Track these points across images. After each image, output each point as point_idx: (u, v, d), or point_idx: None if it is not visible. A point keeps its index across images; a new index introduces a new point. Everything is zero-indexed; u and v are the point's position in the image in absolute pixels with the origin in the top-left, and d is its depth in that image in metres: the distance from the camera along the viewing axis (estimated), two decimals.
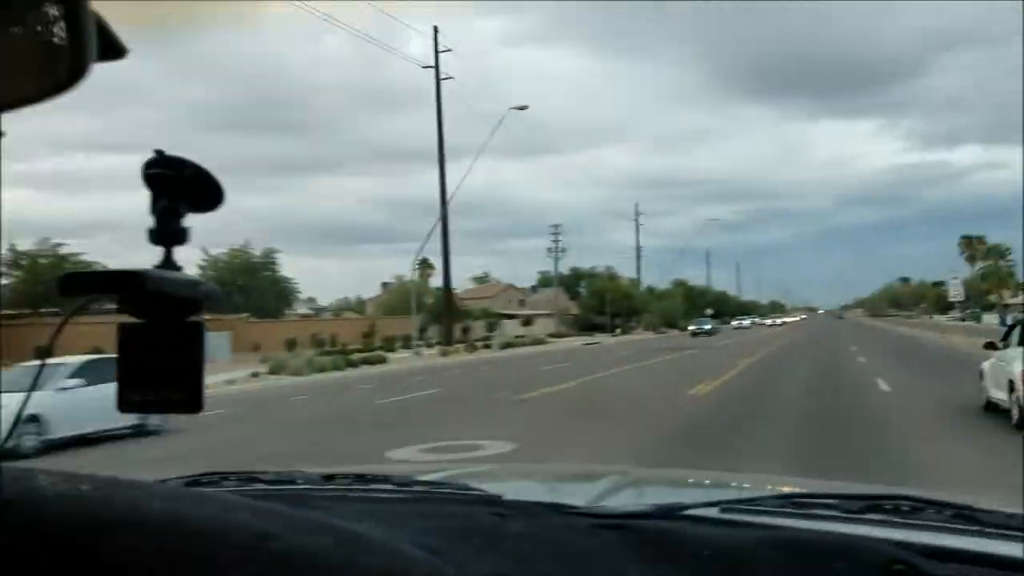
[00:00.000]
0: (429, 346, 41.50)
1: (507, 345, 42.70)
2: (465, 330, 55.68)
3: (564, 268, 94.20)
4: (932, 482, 6.56)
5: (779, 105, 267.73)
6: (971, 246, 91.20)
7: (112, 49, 0.51)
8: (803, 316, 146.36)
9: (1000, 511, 1.21)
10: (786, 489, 1.60)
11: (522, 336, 53.29)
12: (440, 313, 57.13)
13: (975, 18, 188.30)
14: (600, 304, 71.17)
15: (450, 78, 36.98)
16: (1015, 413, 9.65)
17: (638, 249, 76.70)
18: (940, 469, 7.32)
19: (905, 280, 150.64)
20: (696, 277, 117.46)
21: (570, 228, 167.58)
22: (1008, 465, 7.01)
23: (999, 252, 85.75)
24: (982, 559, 0.92)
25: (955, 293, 32.29)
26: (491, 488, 1.28)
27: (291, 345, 36.85)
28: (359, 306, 77.78)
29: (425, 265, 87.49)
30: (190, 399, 0.63)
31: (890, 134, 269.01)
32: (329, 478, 1.38)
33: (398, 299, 58.34)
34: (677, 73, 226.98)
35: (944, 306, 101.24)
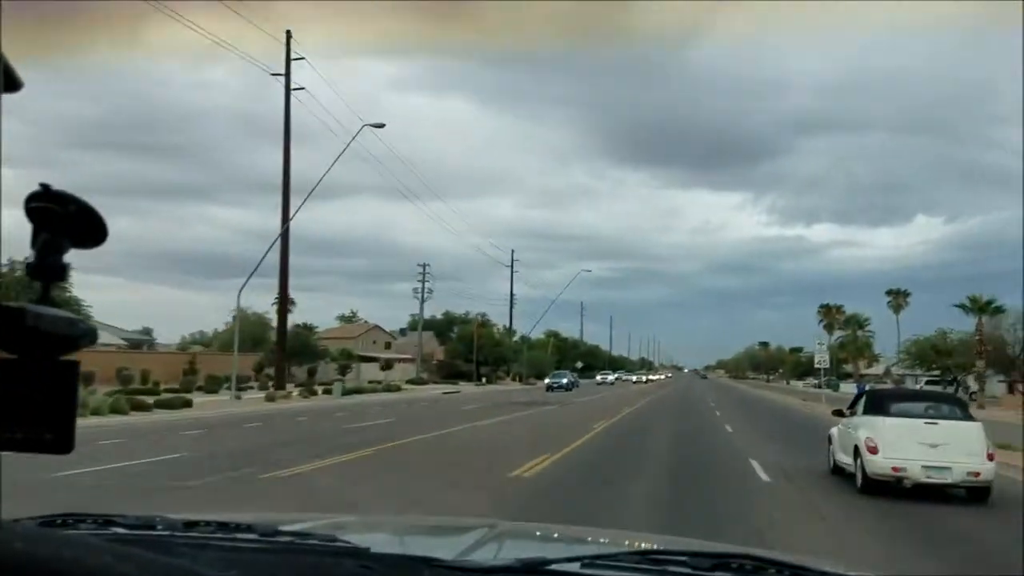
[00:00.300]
0: (263, 388, 36.07)
1: (352, 391, 37.87)
2: (311, 372, 50.38)
3: (438, 312, 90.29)
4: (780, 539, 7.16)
5: (657, 172, 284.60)
6: (830, 314, 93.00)
7: (10, 82, 0.53)
8: (668, 375, 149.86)
9: (835, 572, 1.40)
10: (643, 546, 1.71)
11: (377, 381, 48.53)
12: (294, 351, 51.52)
13: (833, 108, 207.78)
14: (468, 351, 67.57)
15: (301, 88, 32.80)
16: (859, 477, 10.42)
17: (511, 297, 74.05)
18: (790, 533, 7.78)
19: (764, 344, 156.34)
20: (572, 329, 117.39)
21: (452, 274, 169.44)
22: (855, 527, 8.12)
23: (858, 322, 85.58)
24: None
25: (820, 360, 31.56)
26: (358, 540, 1.28)
27: (86, 380, 30.39)
28: (211, 341, 70.15)
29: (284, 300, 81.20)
30: (60, 439, 0.61)
31: (754, 208, 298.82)
32: (191, 525, 1.35)
33: (245, 334, 52.12)
34: (563, 133, 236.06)
35: (802, 372, 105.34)
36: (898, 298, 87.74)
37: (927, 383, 48.26)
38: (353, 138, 30.80)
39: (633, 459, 13.48)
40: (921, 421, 10.46)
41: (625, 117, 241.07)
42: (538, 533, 2.23)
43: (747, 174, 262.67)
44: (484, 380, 65.90)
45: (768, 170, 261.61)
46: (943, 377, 51.40)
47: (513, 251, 74.28)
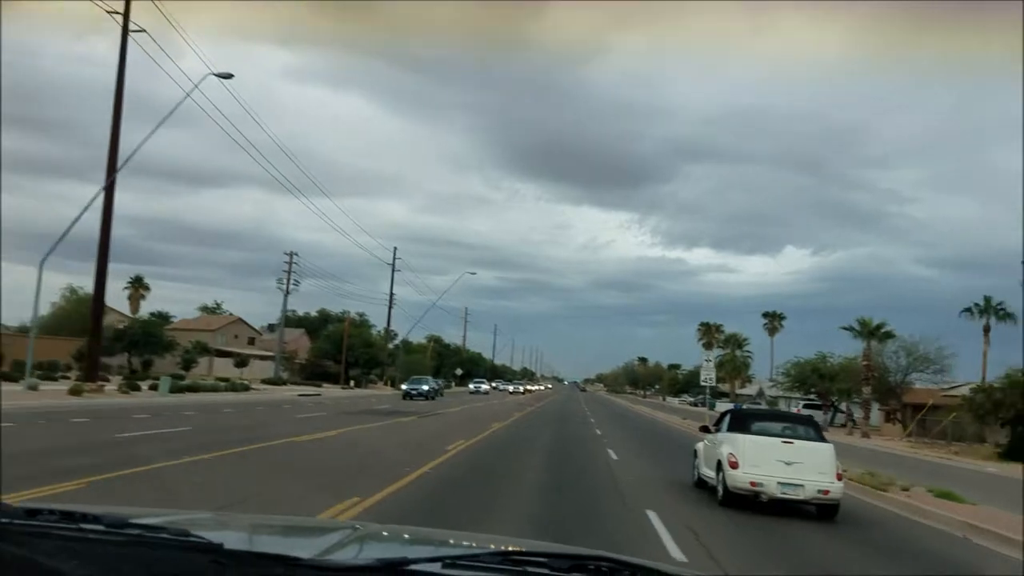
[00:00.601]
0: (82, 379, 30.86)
1: (186, 388, 33.36)
2: (147, 364, 45.08)
3: (314, 310, 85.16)
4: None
5: (550, 187, 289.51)
6: (709, 333, 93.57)
7: None
8: (549, 386, 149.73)
9: (686, 574, 1.52)
10: (504, 547, 1.71)
11: (225, 379, 43.72)
12: (135, 340, 45.84)
13: (715, 138, 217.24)
14: (337, 351, 63.42)
15: (141, 30, 28.49)
16: (720, 491, 10.77)
17: (391, 297, 69.89)
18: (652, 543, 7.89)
19: (643, 360, 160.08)
20: (456, 336, 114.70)
21: (340, 274, 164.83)
22: (715, 539, 8.39)
23: (737, 341, 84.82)
24: None
25: (706, 377, 30.41)
26: (213, 537, 1.24)
27: None
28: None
29: (137, 284, 73.33)
30: None
31: (640, 228, 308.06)
32: (32, 513, 1.30)
33: (77, 318, 45.95)
34: (462, 140, 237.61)
35: (679, 389, 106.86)
36: (773, 320, 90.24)
37: (804, 406, 47.68)
38: (196, 86, 27.06)
39: (486, 505, 9.63)
40: (779, 440, 10.68)
41: (523, 129, 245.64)
42: (403, 536, 2.18)
43: (634, 195, 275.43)
44: (352, 383, 61.81)
45: (654, 193, 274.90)
46: (822, 401, 50.69)
47: (396, 248, 69.17)
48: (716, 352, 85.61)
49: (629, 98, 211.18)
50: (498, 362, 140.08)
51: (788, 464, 10.20)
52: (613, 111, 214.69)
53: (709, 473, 11.66)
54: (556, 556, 1.40)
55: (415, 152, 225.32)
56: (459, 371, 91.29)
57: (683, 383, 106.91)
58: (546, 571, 1.32)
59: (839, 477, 10.30)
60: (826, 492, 10.09)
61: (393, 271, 67.67)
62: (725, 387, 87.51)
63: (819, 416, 47.44)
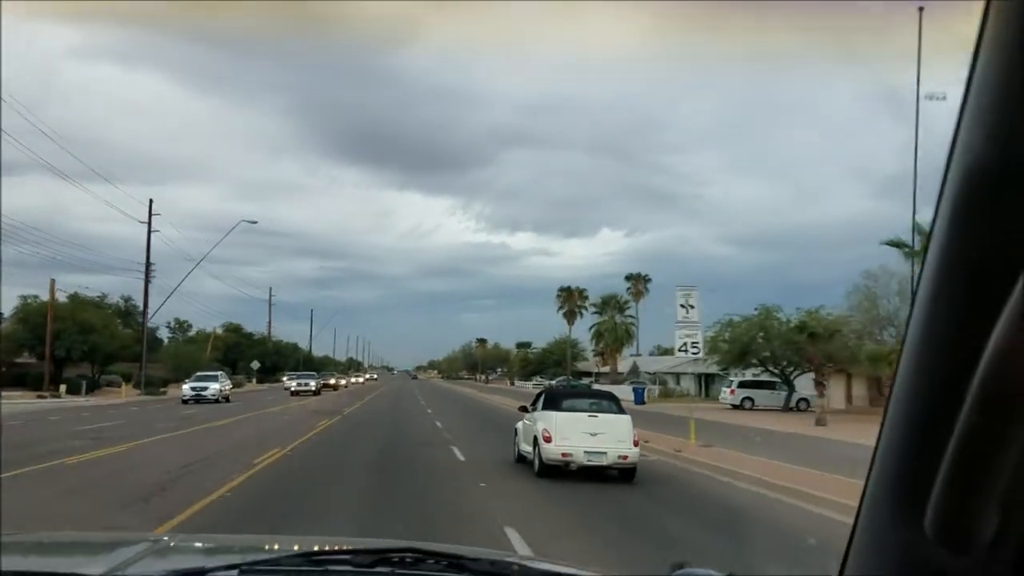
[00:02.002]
0: None
1: None
2: None
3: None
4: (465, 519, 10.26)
5: (371, 172, 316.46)
6: (571, 299, 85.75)
7: None
8: (374, 376, 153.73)
9: (486, 559, 1.71)
10: (306, 548, 1.87)
11: None
12: None
13: (531, 125, 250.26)
14: (39, 340, 50.65)
15: None
16: (537, 463, 14.07)
17: (147, 266, 55.43)
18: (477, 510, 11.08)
19: (482, 341, 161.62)
20: (296, 333, 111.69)
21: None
22: (527, 504, 11.71)
23: (617, 304, 74.98)
24: None
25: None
26: None
27: None
28: None
29: None
30: None
31: (463, 214, 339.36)
32: None
33: None
34: (271, 123, 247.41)
35: (532, 371, 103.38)
36: (638, 283, 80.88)
37: (743, 385, 47.26)
38: None
39: None
40: (585, 415, 14.26)
41: (341, 113, 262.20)
42: (202, 545, 2.39)
43: (457, 181, 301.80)
44: (63, 388, 47.18)
45: (475, 178, 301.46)
46: (769, 376, 46.36)
47: (152, 201, 55.65)
48: (586, 323, 78.04)
49: (446, 84, 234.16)
50: (319, 353, 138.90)
51: (593, 435, 13.74)
52: (432, 96, 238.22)
53: (527, 449, 15.01)
54: (361, 552, 1.61)
55: (223, 136, 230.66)
56: (256, 364, 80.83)
57: (536, 363, 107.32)
58: (349, 568, 1.52)
59: (636, 443, 13.99)
60: (625, 457, 13.70)
61: (150, 230, 55.22)
62: (590, 364, 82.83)
63: (774, 395, 44.97)
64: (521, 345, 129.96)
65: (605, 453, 13.66)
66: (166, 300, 60.58)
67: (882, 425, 1.03)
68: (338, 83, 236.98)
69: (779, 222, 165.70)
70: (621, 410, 14.80)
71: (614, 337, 74.06)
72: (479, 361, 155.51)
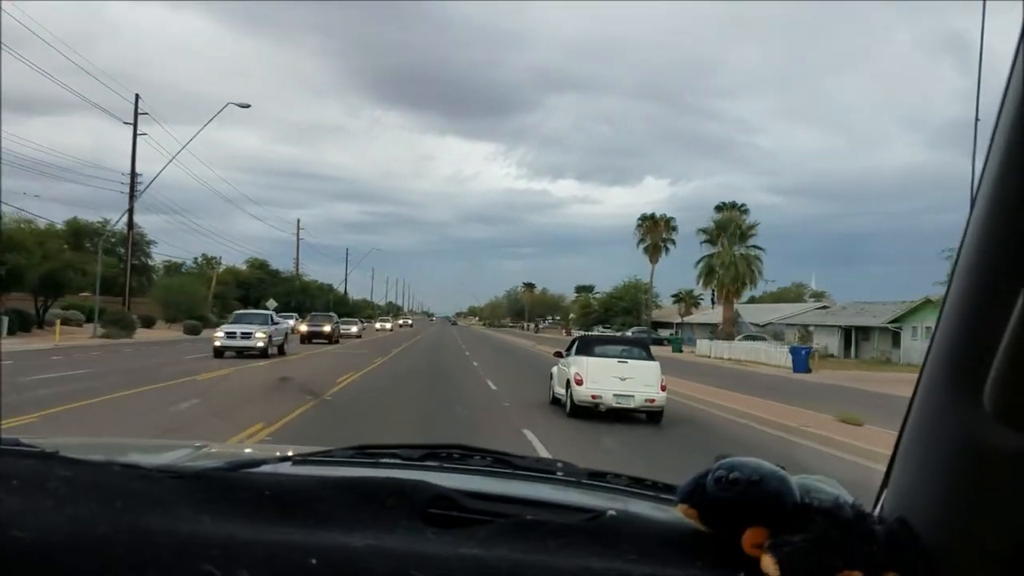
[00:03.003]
0: None
1: None
2: None
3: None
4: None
5: (413, 115, 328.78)
6: (656, 230, 78.32)
7: None
8: (409, 322, 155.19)
9: (532, 457, 2.13)
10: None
11: None
12: None
13: (576, 68, 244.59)
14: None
15: None
16: (568, 404, 17.24)
17: (132, 181, 52.37)
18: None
19: (530, 286, 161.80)
20: (332, 275, 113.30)
21: (192, 209, 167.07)
22: (561, 438, 14.30)
23: (739, 228, 64.38)
24: (509, 497, 1.49)
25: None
26: (46, 446, 1.45)
27: None
28: None
29: None
30: None
31: (505, 160, 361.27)
32: None
33: None
34: (316, 64, 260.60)
35: (595, 320, 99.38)
36: (732, 212, 66.96)
37: None
38: None
39: None
40: (615, 360, 17.16)
41: (384, 53, 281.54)
42: (249, 450, 2.79)
43: (499, 126, 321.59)
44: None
45: (518, 124, 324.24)
46: None
47: (137, 96, 52.73)
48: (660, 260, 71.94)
49: (493, 22, 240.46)
50: (357, 297, 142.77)
51: (622, 380, 16.66)
52: (478, 35, 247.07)
53: (561, 391, 18.18)
54: (409, 447, 1.89)
55: (267, 77, 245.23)
56: (272, 303, 62.89)
57: (600, 312, 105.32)
58: (398, 460, 1.80)
59: (663, 388, 16.84)
60: (652, 400, 16.55)
61: (136, 134, 52.47)
62: (684, 314, 77.54)
63: None
64: (582, 289, 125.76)
65: (633, 396, 16.55)
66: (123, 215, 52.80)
67: (944, 299, 1.11)
68: (381, 22, 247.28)
69: (831, 171, 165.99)
70: (650, 357, 17.72)
71: (733, 275, 62.07)
72: (526, 307, 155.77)
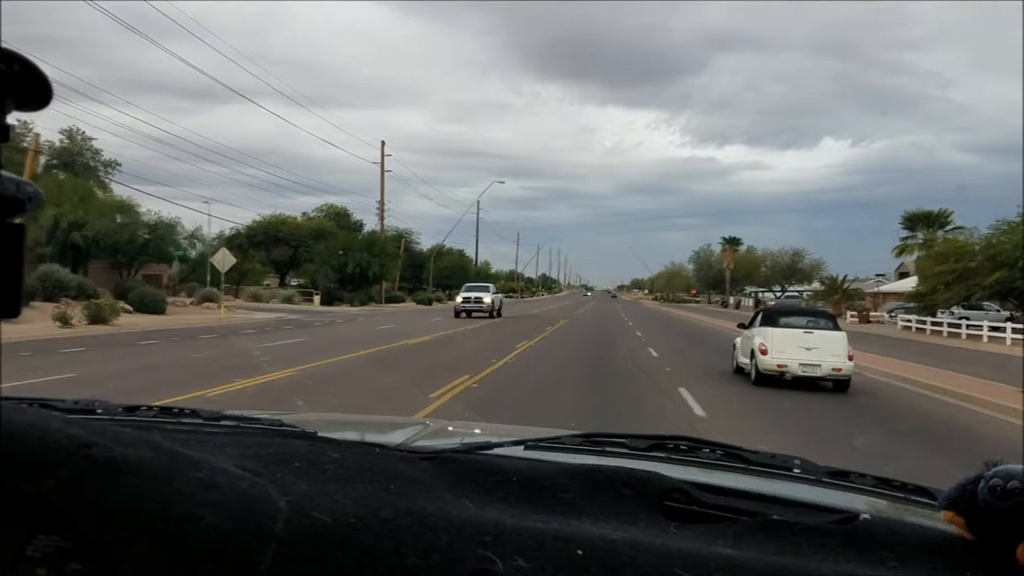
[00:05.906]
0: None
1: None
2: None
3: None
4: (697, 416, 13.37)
5: (573, 87, 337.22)
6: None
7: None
8: (564, 293, 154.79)
9: (764, 451, 1.95)
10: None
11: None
12: None
13: (747, 24, 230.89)
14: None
15: None
16: (753, 373, 18.36)
17: (382, 193, 77.66)
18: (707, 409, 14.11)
19: (734, 241, 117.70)
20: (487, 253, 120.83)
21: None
22: (747, 407, 15.26)
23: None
24: (745, 493, 1.46)
25: None
26: (303, 427, 1.70)
27: None
28: None
29: None
30: (8, 303, 0.77)
31: (668, 128, 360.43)
32: (131, 409, 1.83)
33: None
34: (477, 42, 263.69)
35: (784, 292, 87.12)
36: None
37: None
38: None
39: None
40: (801, 331, 18.11)
41: (542, 26, 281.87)
42: (474, 428, 2.99)
43: (662, 92, 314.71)
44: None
45: (683, 88, 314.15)
46: None
47: (384, 143, 76.14)
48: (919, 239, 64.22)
49: None
50: (503, 267, 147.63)
51: (808, 349, 17.54)
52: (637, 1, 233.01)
53: (744, 361, 19.35)
54: (636, 437, 1.93)
55: (432, 58, 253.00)
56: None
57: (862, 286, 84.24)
58: (625, 450, 1.85)
59: (851, 358, 17.50)
60: (839, 369, 17.32)
61: (383, 168, 73.84)
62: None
63: None
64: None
65: (819, 366, 17.35)
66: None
67: None
68: None
69: None
70: (837, 328, 18.40)
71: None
72: (726, 275, 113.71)
